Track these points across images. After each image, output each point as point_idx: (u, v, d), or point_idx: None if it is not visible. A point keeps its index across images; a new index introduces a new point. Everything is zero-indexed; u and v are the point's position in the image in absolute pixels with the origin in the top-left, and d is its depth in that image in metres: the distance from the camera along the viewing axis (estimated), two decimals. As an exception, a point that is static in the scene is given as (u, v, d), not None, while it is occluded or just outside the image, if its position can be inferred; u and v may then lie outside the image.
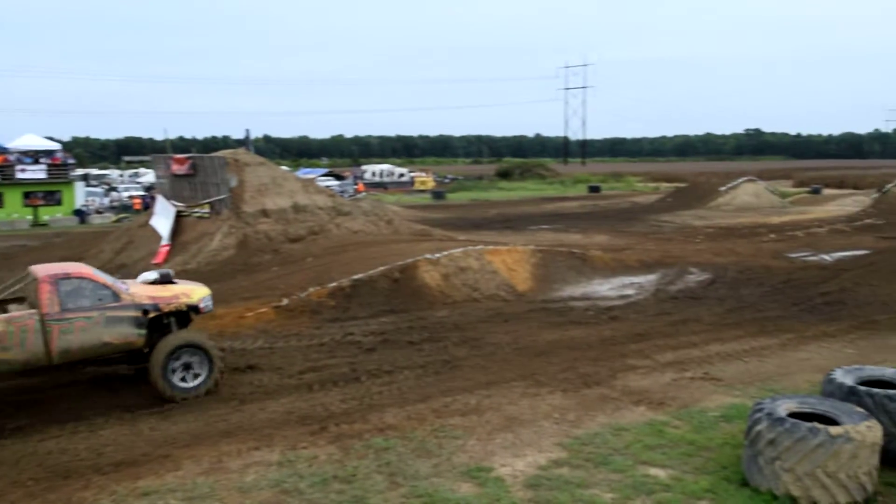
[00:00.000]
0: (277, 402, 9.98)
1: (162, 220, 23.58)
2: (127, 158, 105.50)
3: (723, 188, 49.11)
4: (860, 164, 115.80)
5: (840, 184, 69.50)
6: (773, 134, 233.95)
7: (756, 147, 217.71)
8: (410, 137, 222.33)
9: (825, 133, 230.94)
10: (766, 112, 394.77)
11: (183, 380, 10.25)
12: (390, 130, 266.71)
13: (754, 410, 7.19)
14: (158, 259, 20.81)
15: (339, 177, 59.31)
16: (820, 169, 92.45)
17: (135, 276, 12.63)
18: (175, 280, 11.39)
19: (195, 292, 11.17)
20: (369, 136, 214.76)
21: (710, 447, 8.20)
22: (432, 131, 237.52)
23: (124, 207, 41.88)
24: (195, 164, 23.68)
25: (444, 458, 7.91)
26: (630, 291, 17.78)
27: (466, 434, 8.60)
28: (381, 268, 16.71)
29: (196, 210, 22.76)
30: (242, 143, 31.40)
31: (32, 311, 9.61)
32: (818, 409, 7.29)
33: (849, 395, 7.86)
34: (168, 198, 24.48)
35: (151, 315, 10.40)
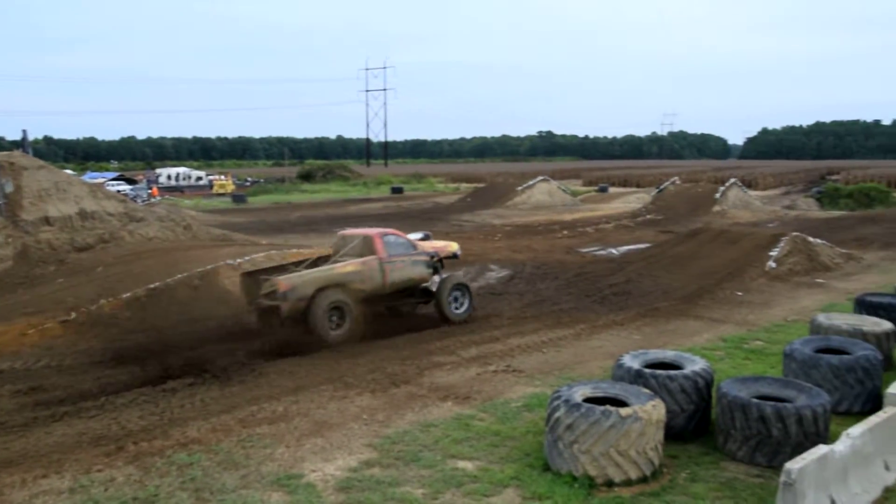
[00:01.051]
0: (67, 423, 9.24)
1: (-76, 231, 21.22)
2: None
3: (519, 188, 51.33)
4: (641, 164, 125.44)
5: (624, 182, 74.98)
6: (563, 136, 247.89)
7: (548, 148, 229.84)
8: (208, 139, 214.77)
9: (610, 135, 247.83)
10: (558, 115, 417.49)
11: (456, 308, 14.73)
12: (186, 132, 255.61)
13: (553, 398, 7.56)
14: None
15: (131, 181, 56.42)
16: (606, 169, 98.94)
17: None
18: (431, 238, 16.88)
19: (453, 245, 16.36)
20: (163, 138, 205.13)
21: (514, 436, 8.53)
22: (231, 133, 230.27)
23: None
24: (-37, 168, 21.48)
25: (253, 468, 7.69)
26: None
27: (275, 442, 8.40)
28: (180, 275, 16.01)
29: (-34, 219, 20.68)
30: (19, 144, 28.93)
31: (373, 256, 13.79)
32: (610, 392, 7.80)
33: (636, 377, 8.48)
34: (-69, 206, 22.08)
35: (434, 260, 14.82)
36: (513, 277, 19.58)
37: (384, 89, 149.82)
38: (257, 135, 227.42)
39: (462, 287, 15.07)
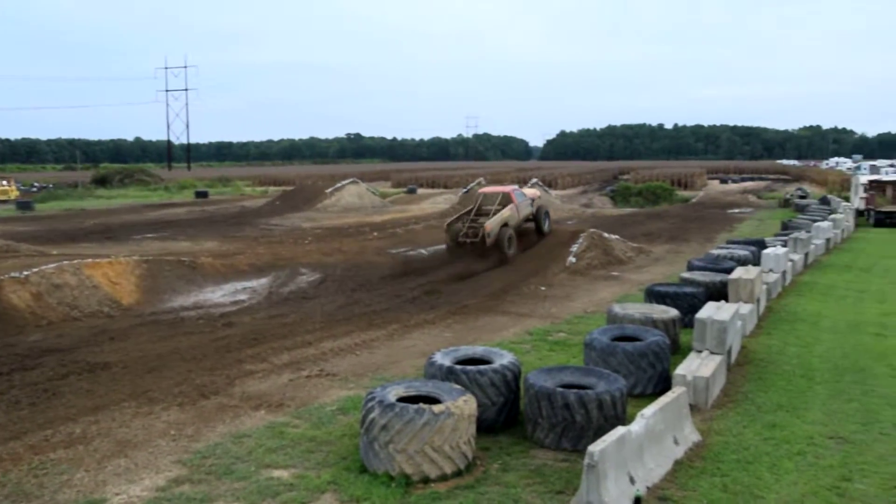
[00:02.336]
0: None
1: None
2: None
3: (328, 190, 51.05)
4: (448, 166, 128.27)
5: (432, 184, 76.38)
6: (372, 138, 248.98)
7: (357, 150, 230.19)
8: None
9: (417, 137, 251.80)
10: (366, 118, 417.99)
11: (545, 224, 25.25)
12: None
13: (367, 400, 7.57)
14: None
15: None
16: (414, 170, 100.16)
17: None
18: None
19: (537, 190, 28.72)
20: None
21: (330, 441, 8.45)
22: (13, 134, 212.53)
23: None
24: None
25: (47, 498, 7.11)
26: (243, 296, 17.66)
27: (73, 467, 7.82)
28: (-44, 292, 14.54)
29: None
30: None
31: (512, 204, 22.96)
32: (423, 390, 7.92)
33: (448, 374, 8.67)
34: None
35: (532, 201, 24.97)
36: (324, 280, 19.43)
37: (185, 89, 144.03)
38: (44, 136, 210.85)
39: (547, 212, 26.13)
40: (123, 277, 17.18)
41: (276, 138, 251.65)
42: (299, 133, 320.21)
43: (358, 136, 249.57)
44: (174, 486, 7.29)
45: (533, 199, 25.08)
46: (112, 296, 16.39)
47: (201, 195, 60.40)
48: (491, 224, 21.92)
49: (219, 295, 17.75)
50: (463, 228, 22.36)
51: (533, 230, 25.08)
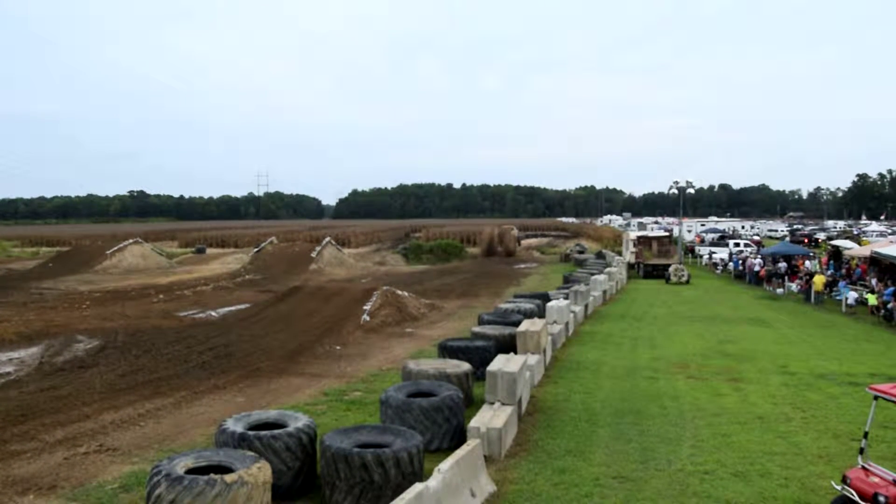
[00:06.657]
0: None
1: None
2: None
3: (109, 251, 48.21)
4: (239, 225, 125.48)
5: (222, 243, 74.18)
6: (158, 196, 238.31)
7: (142, 209, 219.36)
8: None
9: (206, 196, 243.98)
10: (151, 175, 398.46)
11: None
12: None
13: (152, 474, 7.07)
14: None
15: None
16: (203, 230, 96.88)
17: None
18: None
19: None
20: None
21: (110, 522, 7.80)
22: None
23: None
24: None
25: None
26: (9, 368, 16.09)
27: None
28: None
29: None
30: None
31: (511, 235, 70.05)
32: (214, 460, 7.53)
33: (240, 441, 8.33)
34: None
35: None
36: (104, 347, 18.14)
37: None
38: None
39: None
40: None
41: (48, 195, 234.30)
42: (76, 190, 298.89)
43: (142, 193, 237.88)
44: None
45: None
46: None
47: (-41, 258, 54.87)
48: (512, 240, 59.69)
49: (-20, 368, 16.05)
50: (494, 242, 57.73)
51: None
